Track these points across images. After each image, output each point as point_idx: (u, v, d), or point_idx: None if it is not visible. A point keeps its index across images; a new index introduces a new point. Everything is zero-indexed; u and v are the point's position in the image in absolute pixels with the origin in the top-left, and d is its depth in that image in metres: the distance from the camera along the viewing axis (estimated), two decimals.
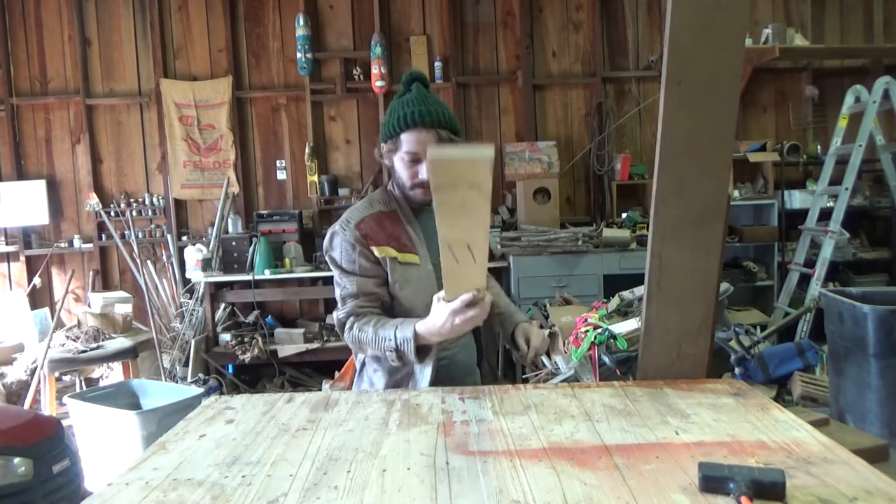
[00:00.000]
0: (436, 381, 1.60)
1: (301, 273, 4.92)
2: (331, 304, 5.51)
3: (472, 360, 1.80)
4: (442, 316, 1.38)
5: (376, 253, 1.61)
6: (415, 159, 1.60)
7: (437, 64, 5.35)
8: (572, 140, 5.52)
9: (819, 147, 5.35)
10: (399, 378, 1.65)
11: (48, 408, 3.69)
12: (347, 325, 1.61)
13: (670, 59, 1.32)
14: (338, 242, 1.65)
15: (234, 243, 4.95)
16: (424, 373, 1.60)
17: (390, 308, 1.66)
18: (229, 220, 5.21)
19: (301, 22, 5.17)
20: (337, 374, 4.60)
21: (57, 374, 3.97)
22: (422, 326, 1.47)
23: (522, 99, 5.42)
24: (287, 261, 4.93)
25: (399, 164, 1.63)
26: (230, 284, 4.97)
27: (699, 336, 1.45)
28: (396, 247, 1.62)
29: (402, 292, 1.63)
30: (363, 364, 1.74)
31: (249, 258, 4.87)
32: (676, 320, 1.44)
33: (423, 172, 1.58)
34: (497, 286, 2.01)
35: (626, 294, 3.00)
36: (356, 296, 1.61)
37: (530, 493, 0.94)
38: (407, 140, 1.59)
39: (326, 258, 1.69)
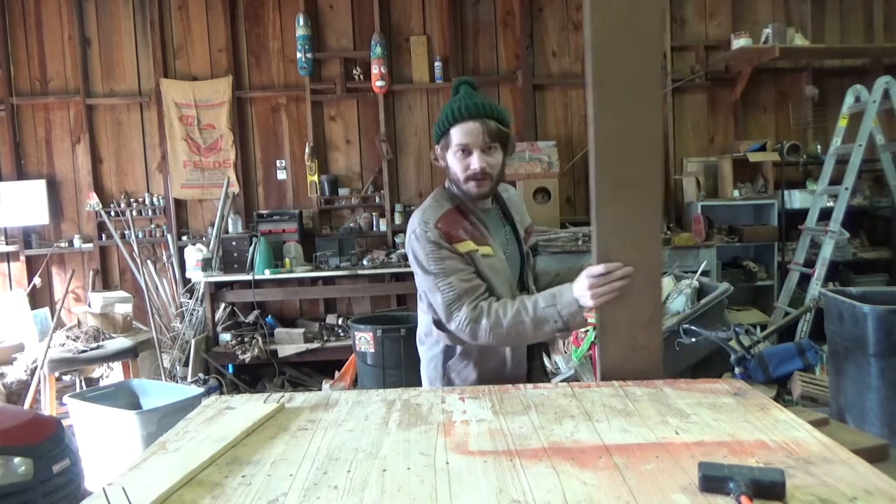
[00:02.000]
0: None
1: (301, 273, 4.92)
2: (330, 304, 5.51)
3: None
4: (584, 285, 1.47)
5: (459, 249, 1.64)
6: (465, 150, 1.65)
7: (437, 64, 5.35)
8: (572, 140, 5.52)
9: (819, 147, 5.35)
10: (493, 367, 1.71)
11: (48, 408, 3.69)
12: (482, 320, 1.58)
13: (593, 61, 1.39)
14: (421, 246, 1.64)
15: (234, 243, 4.96)
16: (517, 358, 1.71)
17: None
18: (229, 220, 5.21)
19: (301, 22, 5.17)
20: (337, 374, 4.61)
21: (57, 374, 3.97)
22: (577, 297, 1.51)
23: (522, 99, 5.42)
24: (287, 261, 4.94)
25: (452, 159, 1.68)
26: (230, 284, 4.97)
27: (651, 328, 1.50)
28: (474, 240, 1.67)
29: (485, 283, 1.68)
30: (445, 362, 1.74)
31: (249, 258, 4.87)
32: (627, 316, 1.48)
33: (475, 163, 1.64)
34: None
35: None
36: (466, 292, 1.61)
37: (530, 493, 0.94)
38: (456, 133, 1.65)
39: (414, 266, 1.69)
